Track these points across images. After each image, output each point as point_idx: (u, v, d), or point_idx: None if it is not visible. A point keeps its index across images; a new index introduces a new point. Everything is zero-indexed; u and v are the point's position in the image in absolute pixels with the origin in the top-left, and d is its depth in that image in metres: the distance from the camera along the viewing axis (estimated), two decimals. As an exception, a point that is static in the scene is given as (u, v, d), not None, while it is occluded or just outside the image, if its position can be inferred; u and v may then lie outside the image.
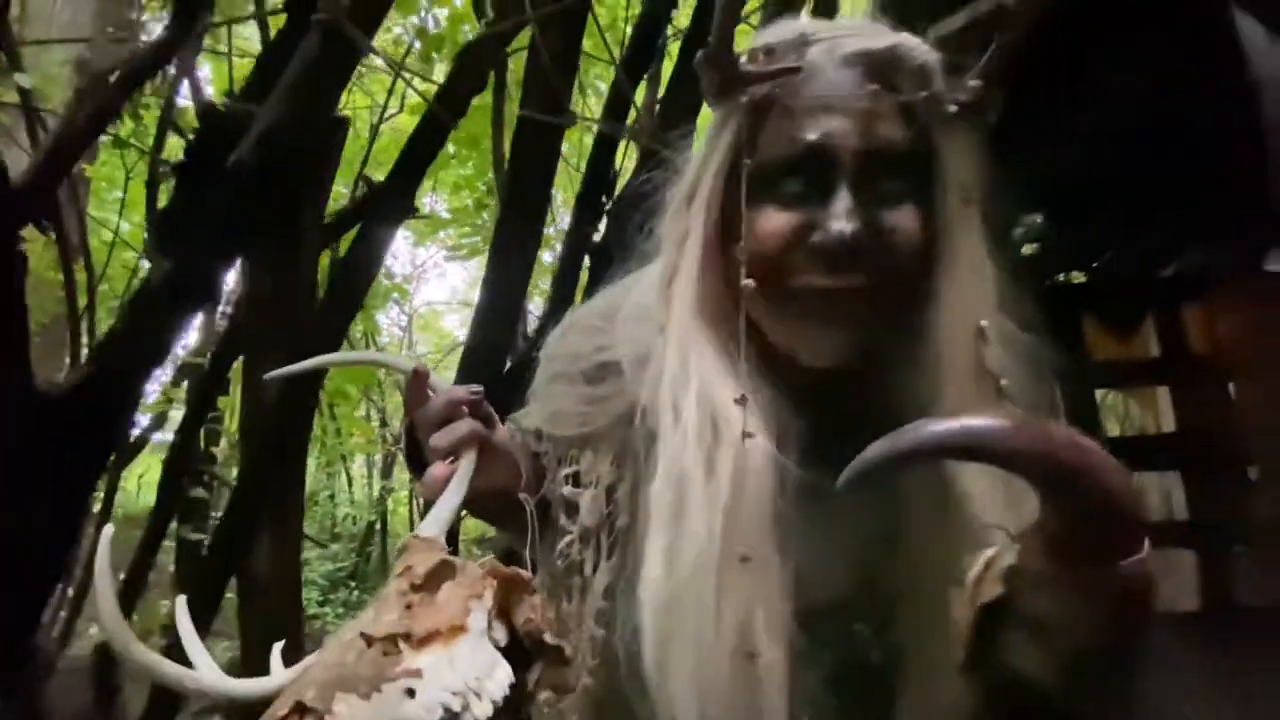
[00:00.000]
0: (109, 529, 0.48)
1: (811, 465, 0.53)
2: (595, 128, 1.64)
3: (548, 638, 0.44)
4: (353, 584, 5.24)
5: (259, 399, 1.42)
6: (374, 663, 0.38)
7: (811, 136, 0.51)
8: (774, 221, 0.52)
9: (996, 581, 0.43)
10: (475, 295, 1.78)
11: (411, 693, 0.37)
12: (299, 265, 1.38)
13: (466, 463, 0.53)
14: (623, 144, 1.69)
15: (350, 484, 5.94)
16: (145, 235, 2.50)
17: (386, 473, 5.67)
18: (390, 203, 1.39)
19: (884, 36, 0.55)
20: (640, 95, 1.54)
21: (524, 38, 1.45)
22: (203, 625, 1.58)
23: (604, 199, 1.64)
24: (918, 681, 0.56)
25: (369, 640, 0.38)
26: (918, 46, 0.54)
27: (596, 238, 1.69)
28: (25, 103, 1.51)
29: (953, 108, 0.52)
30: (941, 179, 0.53)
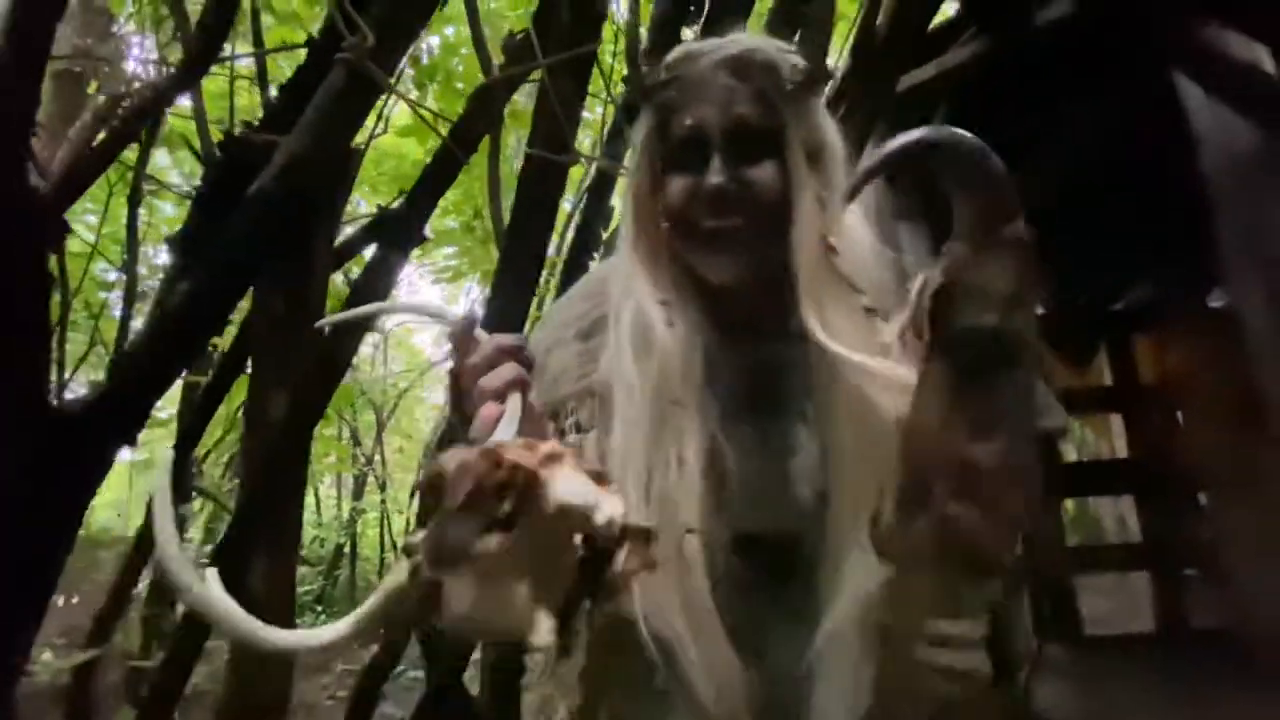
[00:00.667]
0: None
1: (725, 357, 0.72)
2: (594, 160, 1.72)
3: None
4: (319, 608, 5.15)
5: (265, 417, 1.45)
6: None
7: (689, 122, 0.71)
8: (677, 184, 0.71)
9: (935, 289, 0.56)
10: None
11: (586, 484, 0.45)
12: (311, 289, 1.42)
13: (514, 403, 0.57)
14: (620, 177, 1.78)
15: (319, 505, 5.87)
16: (125, 250, 2.50)
17: (357, 494, 5.61)
18: (403, 230, 1.44)
19: (744, 44, 0.73)
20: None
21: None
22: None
23: (601, 230, 1.73)
24: (840, 571, 0.66)
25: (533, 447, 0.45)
26: (766, 48, 0.73)
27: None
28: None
29: (789, 87, 0.71)
30: (790, 141, 0.70)
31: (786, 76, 0.71)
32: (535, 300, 1.62)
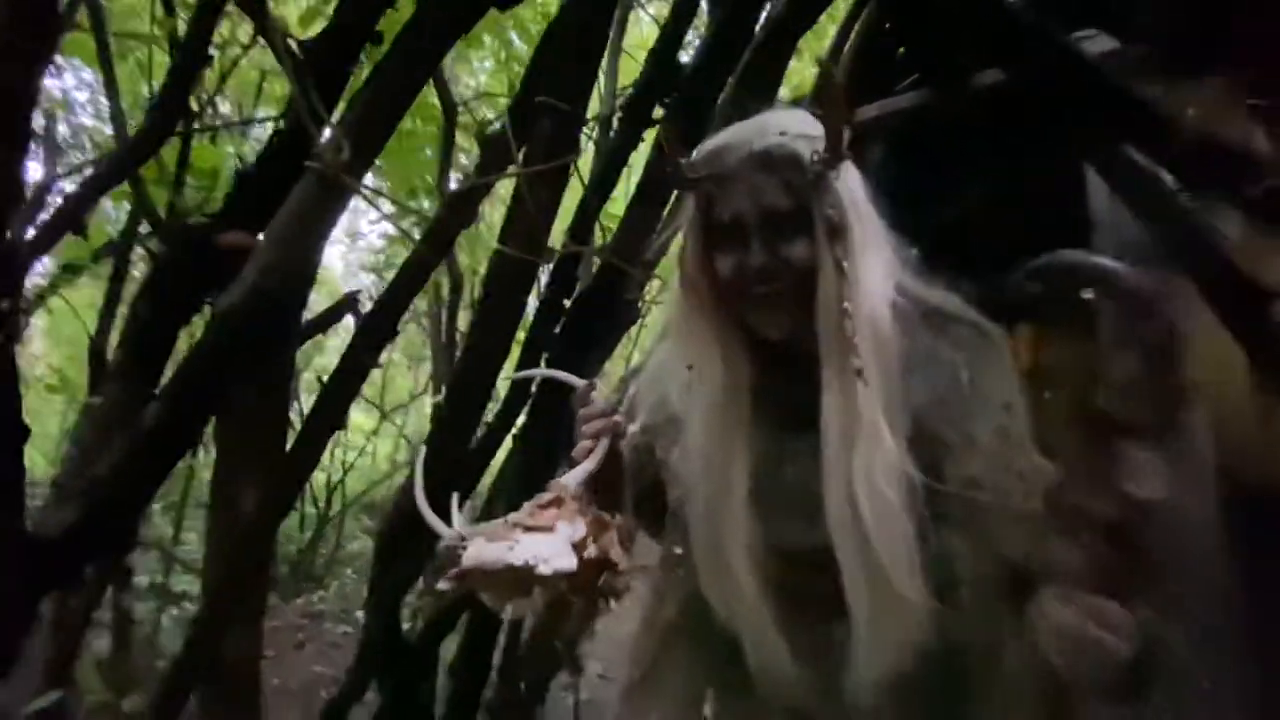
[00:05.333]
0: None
1: (766, 394, 0.86)
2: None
3: (612, 555, 0.73)
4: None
5: (234, 506, 1.46)
6: (500, 534, 0.69)
7: (728, 216, 0.83)
8: (725, 262, 0.84)
9: None
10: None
11: (511, 548, 0.67)
12: (278, 381, 1.41)
13: (601, 446, 0.81)
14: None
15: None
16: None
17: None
18: (376, 329, 1.44)
19: (769, 139, 0.83)
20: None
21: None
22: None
23: (565, 302, 1.76)
24: (858, 603, 0.80)
25: (505, 523, 0.70)
26: (789, 143, 0.82)
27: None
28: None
29: (810, 176, 0.80)
30: (815, 219, 0.81)
31: (807, 166, 0.81)
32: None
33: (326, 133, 1.28)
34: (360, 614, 4.39)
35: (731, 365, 0.86)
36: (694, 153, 0.87)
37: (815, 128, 0.82)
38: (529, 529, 0.70)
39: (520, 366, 1.80)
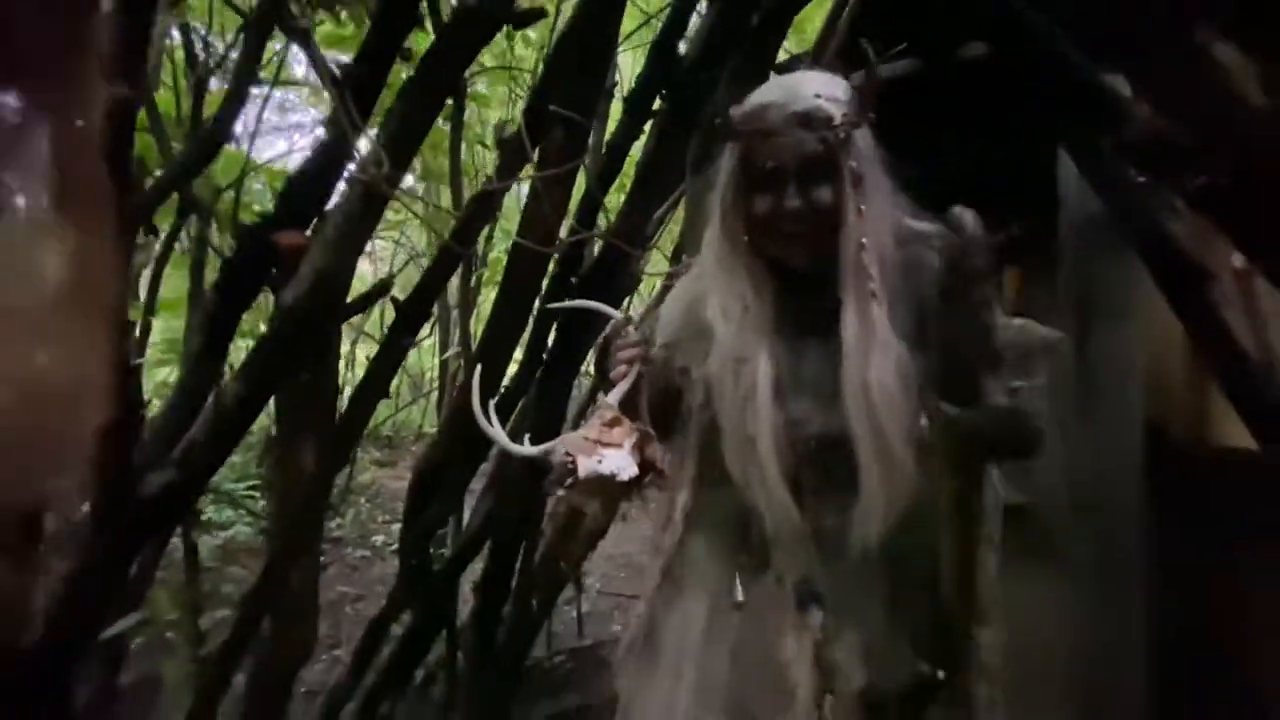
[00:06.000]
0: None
1: (798, 325, 1.02)
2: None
3: (657, 461, 0.96)
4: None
5: (296, 461, 1.71)
6: (584, 447, 0.91)
7: (771, 163, 0.97)
8: (761, 203, 0.99)
9: None
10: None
11: (600, 461, 0.90)
12: (329, 359, 1.64)
13: (634, 369, 1.02)
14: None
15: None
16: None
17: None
18: (408, 321, 1.64)
19: (808, 100, 0.97)
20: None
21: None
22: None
23: (572, 279, 1.97)
24: (869, 473, 0.95)
25: (585, 439, 0.93)
26: (825, 102, 0.96)
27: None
28: None
29: (842, 133, 0.95)
30: (841, 169, 0.96)
31: (839, 124, 0.95)
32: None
33: (363, 144, 1.45)
34: (376, 539, 4.76)
35: (758, 285, 1.02)
36: (736, 111, 1.01)
37: (841, 89, 0.99)
38: (605, 444, 0.92)
39: (534, 334, 2.03)
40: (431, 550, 2.40)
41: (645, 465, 0.95)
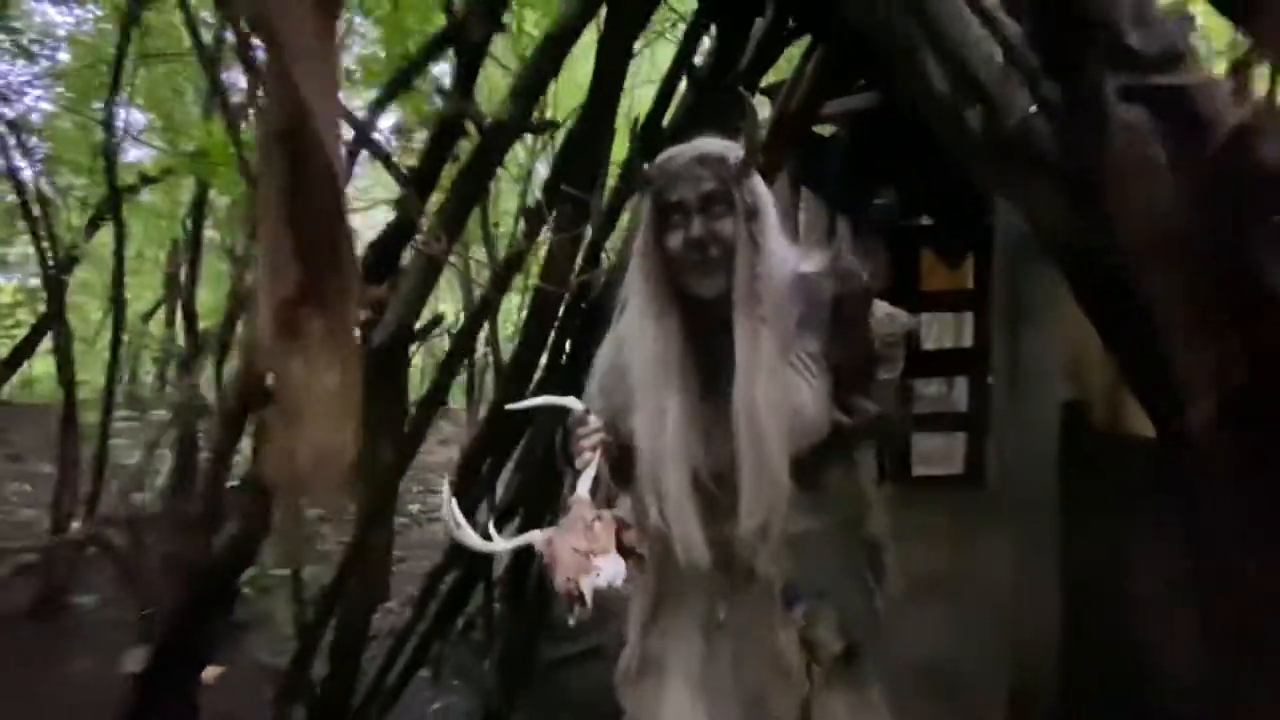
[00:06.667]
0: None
1: (697, 349, 1.10)
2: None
3: (635, 546, 1.01)
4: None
5: (374, 458, 2.26)
6: (580, 564, 0.95)
7: (676, 198, 1.08)
8: (674, 238, 1.09)
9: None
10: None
11: (597, 574, 0.94)
12: (399, 395, 2.18)
13: (599, 457, 1.07)
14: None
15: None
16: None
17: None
18: (462, 344, 2.18)
19: (704, 147, 1.10)
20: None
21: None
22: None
23: (582, 305, 2.50)
24: (746, 480, 1.05)
25: (576, 551, 0.96)
26: (718, 148, 1.10)
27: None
28: None
29: (734, 171, 1.07)
30: (736, 204, 1.08)
31: (732, 164, 1.08)
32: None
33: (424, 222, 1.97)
34: (413, 507, 5.34)
35: (668, 322, 1.09)
36: (649, 166, 1.14)
37: (734, 148, 1.10)
38: (594, 553, 0.95)
39: (554, 348, 2.56)
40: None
41: (624, 552, 1.00)
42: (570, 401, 1.15)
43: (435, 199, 2.06)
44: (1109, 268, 1.06)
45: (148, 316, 6.24)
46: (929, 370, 6.59)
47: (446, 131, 1.89)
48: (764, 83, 2.66)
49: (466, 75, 1.85)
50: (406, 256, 2.01)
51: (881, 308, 1.18)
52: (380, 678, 2.59)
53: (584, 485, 1.05)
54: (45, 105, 4.65)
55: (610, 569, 0.96)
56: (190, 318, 3.66)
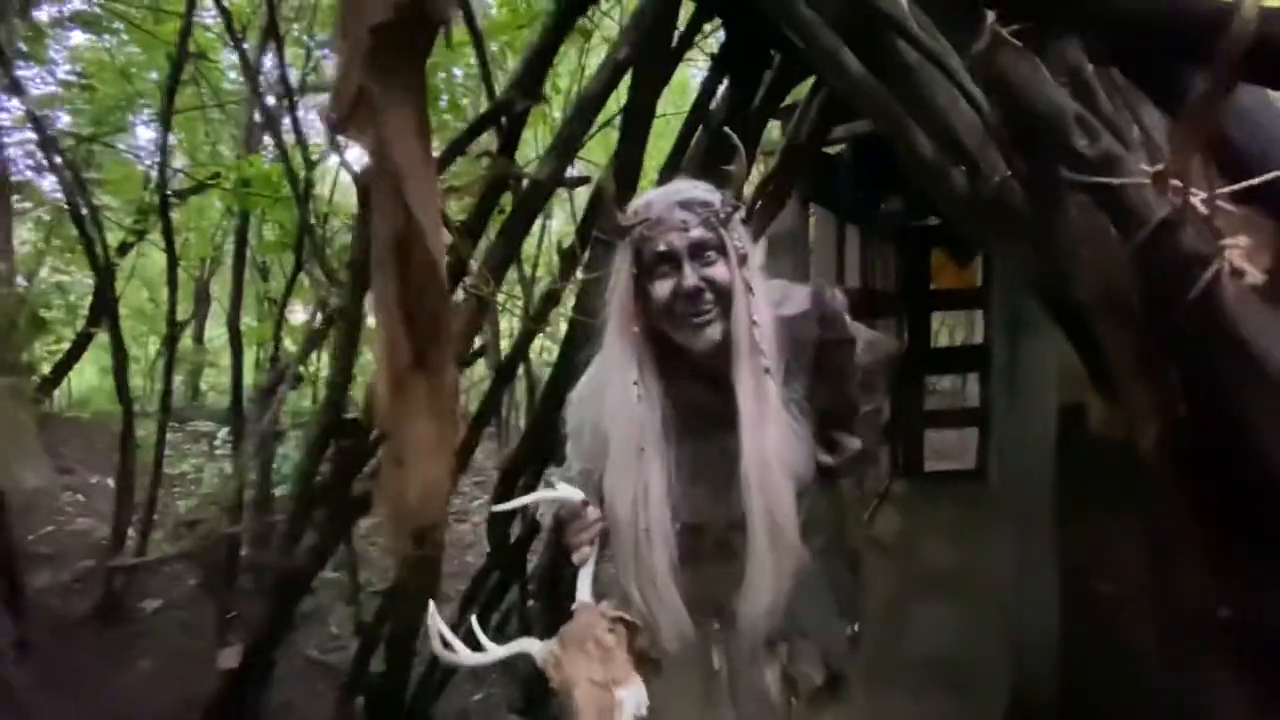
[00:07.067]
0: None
1: (694, 416, 1.03)
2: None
3: (648, 650, 1.00)
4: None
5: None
6: (605, 701, 0.90)
7: (663, 246, 1.01)
8: (661, 287, 1.01)
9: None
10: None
11: (621, 703, 0.90)
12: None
13: (595, 553, 1.04)
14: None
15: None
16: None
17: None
18: (504, 372, 2.43)
19: (688, 190, 1.04)
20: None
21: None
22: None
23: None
24: (760, 551, 1.00)
25: (594, 683, 0.91)
26: (702, 190, 1.04)
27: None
28: None
29: (723, 215, 1.02)
30: (727, 248, 1.02)
31: (719, 208, 1.01)
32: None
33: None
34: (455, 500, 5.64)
35: (650, 381, 1.02)
36: (622, 215, 1.05)
37: (713, 191, 1.05)
38: (615, 682, 0.89)
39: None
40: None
41: (639, 659, 0.96)
42: (565, 493, 1.09)
43: (482, 245, 2.32)
44: (1076, 310, 1.18)
45: (180, 329, 6.52)
46: (942, 367, 6.77)
47: (492, 189, 2.13)
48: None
49: (509, 141, 2.09)
50: (458, 295, 2.25)
51: (862, 336, 1.15)
52: (430, 671, 2.83)
53: (584, 586, 1.02)
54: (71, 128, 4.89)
55: (633, 699, 0.91)
56: (235, 337, 3.93)
